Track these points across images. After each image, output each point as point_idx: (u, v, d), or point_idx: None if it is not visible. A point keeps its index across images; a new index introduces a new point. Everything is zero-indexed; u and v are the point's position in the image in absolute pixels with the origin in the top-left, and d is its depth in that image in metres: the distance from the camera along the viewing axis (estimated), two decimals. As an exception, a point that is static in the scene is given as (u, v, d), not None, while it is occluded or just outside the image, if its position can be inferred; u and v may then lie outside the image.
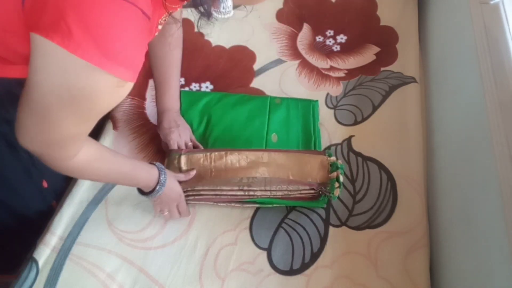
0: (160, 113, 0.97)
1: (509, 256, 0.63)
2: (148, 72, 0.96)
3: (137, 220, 0.89)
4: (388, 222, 0.90)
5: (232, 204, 0.90)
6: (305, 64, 1.20)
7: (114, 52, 0.47)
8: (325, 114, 1.08)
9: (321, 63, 1.21)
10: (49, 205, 0.91)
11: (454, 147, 0.93)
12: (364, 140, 1.04)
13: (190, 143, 0.98)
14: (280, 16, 1.33)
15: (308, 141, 1.02)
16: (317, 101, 1.09)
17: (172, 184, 0.84)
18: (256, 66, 1.19)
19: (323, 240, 0.88)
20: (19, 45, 0.53)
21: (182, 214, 0.88)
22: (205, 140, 1.01)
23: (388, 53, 1.22)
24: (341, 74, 1.18)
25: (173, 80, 0.95)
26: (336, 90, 1.14)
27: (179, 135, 0.95)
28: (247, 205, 0.91)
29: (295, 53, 1.23)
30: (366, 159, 1.00)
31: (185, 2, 0.58)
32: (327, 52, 1.24)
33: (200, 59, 1.19)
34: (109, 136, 1.00)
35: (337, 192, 0.88)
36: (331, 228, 0.89)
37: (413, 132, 1.05)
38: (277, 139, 1.02)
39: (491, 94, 0.79)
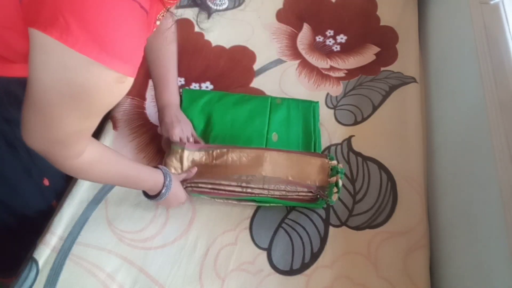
0: (161, 109, 0.96)
1: (509, 256, 0.63)
2: (148, 72, 0.96)
3: (137, 220, 0.89)
4: (388, 222, 0.90)
5: (229, 201, 0.91)
6: (305, 64, 1.20)
7: (113, 46, 0.47)
8: (325, 114, 1.08)
9: (321, 63, 1.21)
10: (49, 204, 0.91)
11: (454, 147, 0.93)
12: (364, 140, 1.04)
13: (191, 138, 0.98)
14: (280, 16, 1.33)
15: (308, 141, 1.02)
16: (317, 102, 1.08)
17: (177, 187, 0.84)
18: (256, 66, 1.19)
19: (323, 240, 0.88)
20: (18, 43, 0.53)
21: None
22: (206, 137, 1.01)
23: (388, 53, 1.22)
24: (341, 74, 1.18)
25: (171, 74, 0.95)
26: (336, 90, 1.14)
27: (182, 130, 0.95)
28: (245, 203, 0.91)
29: (295, 53, 1.23)
30: (366, 159, 1.00)
31: None
32: (327, 52, 1.24)
33: (200, 59, 1.19)
34: (109, 136, 1.00)
35: (335, 197, 0.88)
36: (331, 228, 0.89)
37: (413, 132, 1.05)
38: (278, 138, 1.02)
39: (491, 94, 0.79)
